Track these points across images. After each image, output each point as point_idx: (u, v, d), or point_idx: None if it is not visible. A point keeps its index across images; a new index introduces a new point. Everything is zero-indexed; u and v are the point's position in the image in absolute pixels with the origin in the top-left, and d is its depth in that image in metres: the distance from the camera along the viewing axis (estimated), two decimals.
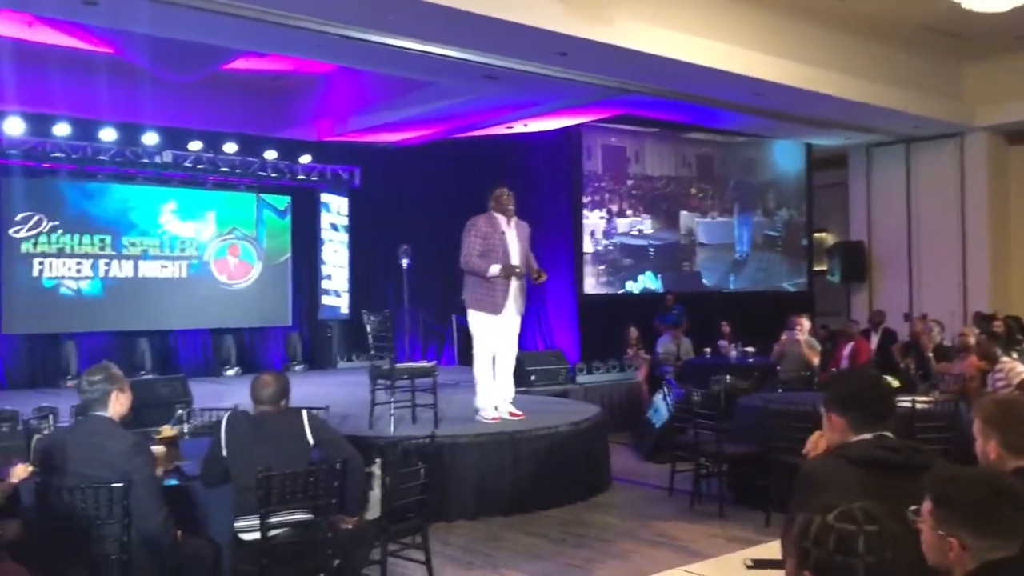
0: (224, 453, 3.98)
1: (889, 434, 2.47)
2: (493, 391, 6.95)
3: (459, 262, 6.84)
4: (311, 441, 4.04)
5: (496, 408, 6.93)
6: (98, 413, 3.80)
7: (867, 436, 2.46)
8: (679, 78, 9.77)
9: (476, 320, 6.86)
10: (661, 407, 8.50)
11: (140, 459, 3.72)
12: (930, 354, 8.97)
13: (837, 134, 13.42)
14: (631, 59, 8.84)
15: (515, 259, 6.75)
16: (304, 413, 4.16)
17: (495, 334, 6.82)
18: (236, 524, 3.89)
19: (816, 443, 2.73)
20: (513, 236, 6.81)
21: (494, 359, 6.91)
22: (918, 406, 5.86)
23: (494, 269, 6.66)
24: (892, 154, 13.94)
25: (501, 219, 6.81)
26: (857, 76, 10.79)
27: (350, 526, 4.10)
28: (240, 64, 10.60)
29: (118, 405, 3.84)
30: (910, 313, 12.95)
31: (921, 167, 13.66)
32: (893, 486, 2.20)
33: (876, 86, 11.07)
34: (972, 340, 7.35)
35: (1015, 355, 7.99)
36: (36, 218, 10.98)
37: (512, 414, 6.96)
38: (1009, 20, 9.21)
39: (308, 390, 9.75)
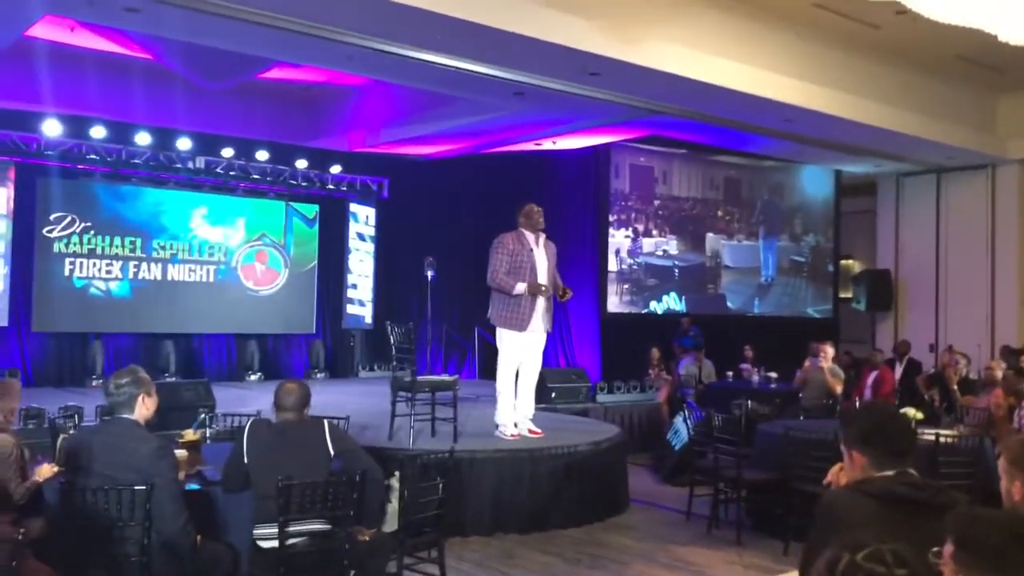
0: (245, 460, 4.02)
1: (912, 471, 2.46)
2: (514, 408, 6.96)
3: (486, 278, 6.84)
4: (331, 451, 4.06)
5: (516, 425, 6.93)
6: (124, 416, 3.85)
7: (889, 473, 2.45)
8: (709, 101, 9.77)
9: (503, 336, 6.89)
10: (681, 430, 8.48)
11: (164, 463, 3.76)
12: (955, 387, 8.87)
13: (867, 161, 13.36)
14: (661, 80, 8.86)
15: (542, 277, 6.78)
16: (325, 423, 4.19)
17: (521, 350, 6.85)
18: (255, 531, 3.92)
19: (837, 475, 2.72)
20: (541, 254, 6.84)
21: (517, 374, 6.94)
22: (942, 439, 5.80)
23: (520, 287, 6.69)
24: (922, 183, 13.85)
25: (530, 236, 6.84)
26: (889, 104, 10.75)
27: (367, 538, 4.12)
28: (274, 73, 10.73)
29: (144, 409, 3.89)
30: (936, 344, 12.84)
31: (951, 197, 13.56)
32: (914, 524, 2.19)
33: (908, 115, 11.03)
34: (999, 374, 7.27)
35: None
36: (69, 218, 11.15)
37: (532, 432, 6.96)
38: None
39: (329, 399, 9.81)
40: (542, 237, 6.92)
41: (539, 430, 6.97)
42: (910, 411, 6.64)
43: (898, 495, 2.36)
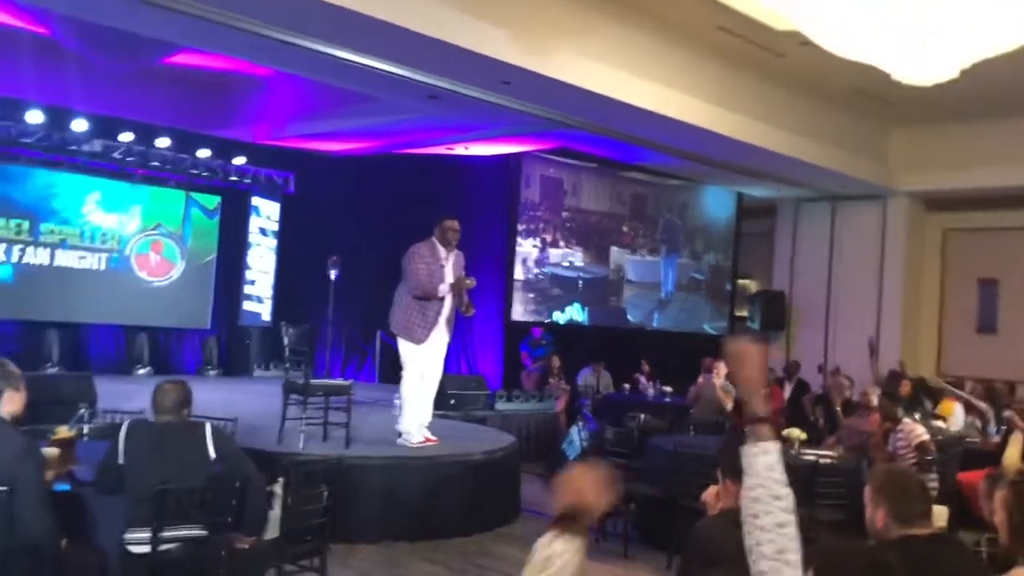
0: (121, 461, 3.86)
1: None
2: (421, 414, 6.91)
3: (401, 288, 6.80)
4: (212, 455, 3.94)
5: (424, 429, 6.88)
6: None
7: None
8: (617, 117, 9.89)
9: (404, 347, 6.85)
10: (576, 440, 8.54)
11: (29, 463, 3.57)
12: (838, 408, 9.21)
13: (768, 185, 13.76)
14: (571, 93, 8.92)
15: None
16: (207, 425, 4.06)
17: (424, 359, 6.82)
18: (126, 535, 3.77)
19: (714, 496, 2.77)
20: (450, 269, 6.86)
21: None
22: (821, 461, 6.00)
23: (443, 288, 6.71)
24: (819, 210, 14.36)
25: (441, 250, 6.85)
26: (789, 131, 11.11)
27: (246, 546, 4.01)
28: (180, 58, 10.41)
29: (11, 404, 3.70)
30: (825, 364, 13.30)
31: (845, 225, 14.09)
32: None
33: (806, 142, 11.40)
34: (874, 400, 7.57)
35: (917, 416, 8.29)
36: None
37: (427, 439, 6.91)
38: (933, 92, 9.59)
39: (220, 396, 9.55)
40: (453, 252, 6.92)
41: (435, 438, 6.94)
42: (794, 432, 6.85)
43: None
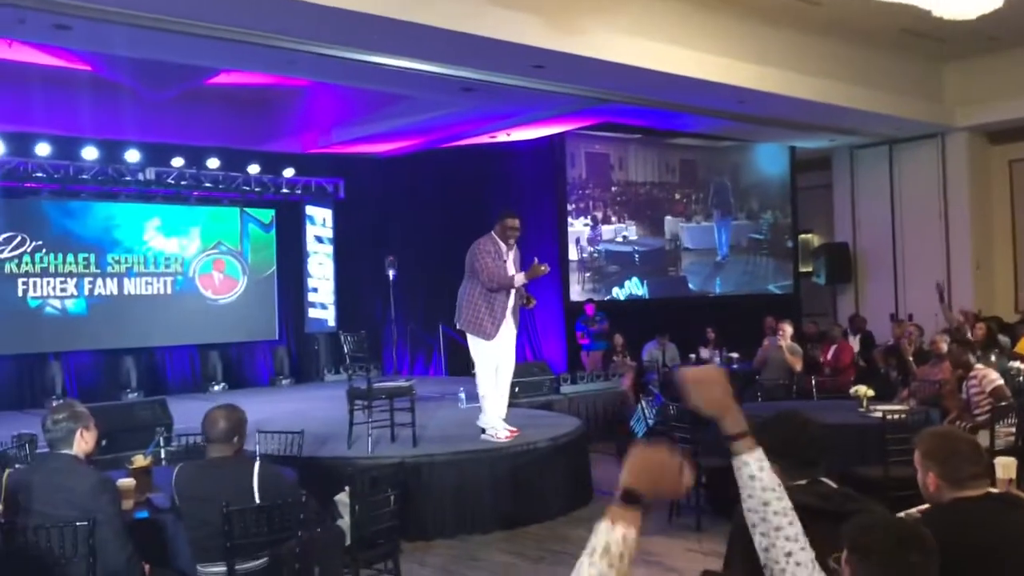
0: (177, 503, 3.98)
1: (824, 479, 2.50)
2: (501, 407, 6.96)
3: (481, 282, 6.71)
4: (256, 499, 3.84)
5: (505, 421, 6.94)
6: (63, 452, 3.81)
7: (801, 482, 2.49)
8: (658, 88, 9.80)
9: (476, 344, 6.89)
10: (643, 416, 8.53)
11: (104, 497, 3.72)
12: (910, 358, 9.00)
13: (821, 137, 13.47)
14: (608, 70, 8.87)
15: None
16: (256, 467, 3.95)
17: (495, 352, 6.86)
18: (198, 569, 3.90)
19: None
20: (511, 263, 6.87)
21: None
22: (888, 417, 5.89)
23: (519, 277, 6.73)
24: (875, 156, 14.00)
25: (502, 245, 6.85)
26: (838, 80, 10.85)
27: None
28: (221, 78, 10.61)
29: (83, 443, 3.85)
30: (896, 314, 12.99)
31: (904, 168, 13.71)
32: (823, 533, 2.23)
33: (857, 89, 11.12)
34: (944, 347, 7.38)
35: (993, 357, 8.05)
36: (19, 238, 10.99)
37: (510, 432, 6.92)
38: (983, 22, 9.26)
39: (293, 406, 9.81)
40: (513, 249, 6.93)
41: (514, 428, 6.96)
42: (861, 388, 6.73)
43: (806, 504, 2.40)
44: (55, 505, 3.68)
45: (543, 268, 6.77)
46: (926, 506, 2.87)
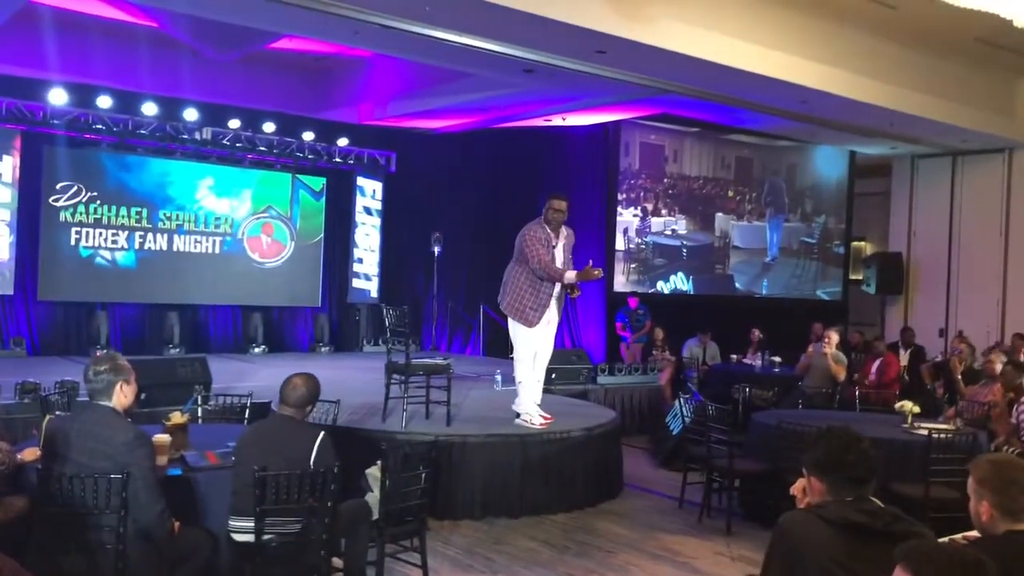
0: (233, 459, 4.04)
1: (871, 498, 2.42)
2: (536, 393, 6.92)
3: (530, 268, 6.59)
4: (311, 466, 3.96)
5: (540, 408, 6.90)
6: (102, 403, 3.84)
7: (847, 499, 2.41)
8: (721, 81, 9.62)
9: (517, 331, 6.82)
10: (680, 413, 8.43)
11: (140, 452, 3.74)
12: (959, 376, 8.77)
13: (882, 143, 13.16)
14: (671, 60, 8.71)
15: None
16: (320, 436, 4.07)
17: (535, 339, 6.79)
18: (229, 523, 3.92)
19: (801, 490, 2.67)
20: (559, 249, 6.74)
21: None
22: (935, 435, 5.73)
23: (571, 275, 6.59)
24: (938, 166, 13.65)
25: (551, 232, 6.73)
26: (905, 87, 10.56)
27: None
28: (282, 44, 10.64)
29: (122, 397, 3.88)
30: (946, 329, 12.71)
31: (967, 181, 13.36)
32: (868, 551, 2.16)
33: (924, 97, 10.82)
34: (998, 367, 7.16)
35: None
36: (76, 188, 11.18)
37: (544, 419, 6.88)
38: None
39: (330, 374, 9.79)
40: (563, 230, 6.81)
41: (549, 416, 6.92)
42: (906, 404, 6.56)
43: (853, 522, 2.33)
44: (91, 456, 3.71)
45: (596, 272, 6.61)
46: (974, 533, 2.77)
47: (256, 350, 12.04)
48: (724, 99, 10.56)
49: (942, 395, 9.04)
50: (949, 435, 5.84)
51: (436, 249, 11.56)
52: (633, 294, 12.37)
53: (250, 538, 3.81)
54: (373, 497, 4.47)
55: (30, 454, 4.21)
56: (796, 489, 2.67)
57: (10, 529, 3.83)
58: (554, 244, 6.70)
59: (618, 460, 7.42)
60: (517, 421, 6.83)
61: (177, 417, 4.84)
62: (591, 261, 6.76)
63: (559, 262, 6.71)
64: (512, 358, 7.01)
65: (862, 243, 15.56)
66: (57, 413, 5.11)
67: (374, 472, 4.55)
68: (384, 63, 12.00)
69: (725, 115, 11.98)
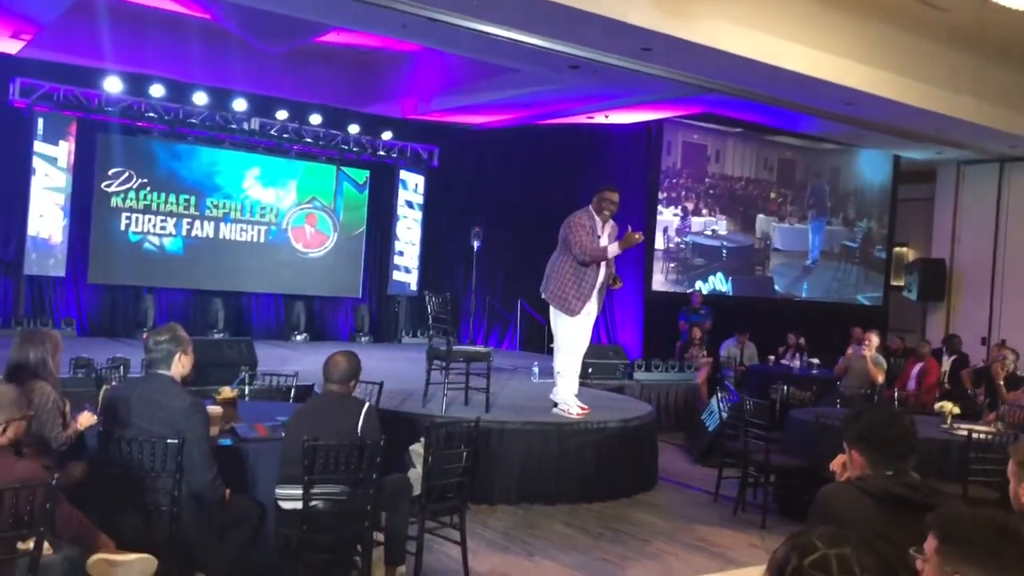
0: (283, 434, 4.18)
1: (912, 472, 2.46)
2: (573, 384, 6.99)
3: (574, 255, 6.62)
4: (359, 434, 4.11)
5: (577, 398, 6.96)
6: (161, 372, 3.99)
7: (888, 473, 2.46)
8: (766, 81, 9.61)
9: (559, 321, 6.86)
10: (716, 411, 8.46)
11: (196, 419, 3.89)
12: (1001, 382, 8.69)
13: (928, 148, 13.04)
14: (716, 59, 8.73)
15: (603, 266, 6.75)
16: (365, 406, 4.22)
17: (575, 329, 6.83)
18: (277, 491, 4.05)
19: (841, 465, 2.73)
20: (605, 239, 6.76)
21: None
22: (976, 436, 5.71)
23: (614, 248, 6.61)
24: (984, 172, 13.50)
25: (598, 220, 6.76)
26: (954, 91, 10.46)
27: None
28: (330, 37, 10.81)
29: (180, 366, 4.02)
30: (988, 337, 12.57)
31: (1014, 188, 13.20)
32: (907, 524, 2.20)
33: (973, 101, 10.71)
34: None
35: None
36: (127, 174, 11.44)
37: (581, 409, 6.94)
38: None
39: (371, 363, 9.86)
40: (608, 223, 6.87)
41: (586, 406, 6.98)
42: (946, 405, 6.54)
43: (893, 494, 2.38)
44: (151, 421, 3.86)
45: (637, 236, 6.63)
46: None
47: (298, 337, 12.24)
48: (768, 99, 10.54)
49: (983, 401, 8.96)
50: (989, 436, 5.82)
51: (476, 244, 11.65)
52: (696, 291, 12.44)
53: (298, 505, 3.93)
54: (415, 473, 4.58)
55: (87, 419, 4.38)
56: (836, 464, 2.72)
57: (71, 492, 3.99)
58: (599, 234, 6.73)
59: (653, 453, 7.47)
60: (554, 410, 6.91)
61: (227, 391, 5.00)
62: (630, 227, 6.73)
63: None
64: (551, 350, 7.08)
65: (904, 248, 15.42)
66: (114, 383, 5.29)
67: (417, 449, 4.65)
68: (428, 58, 12.14)
69: (769, 116, 11.96)
